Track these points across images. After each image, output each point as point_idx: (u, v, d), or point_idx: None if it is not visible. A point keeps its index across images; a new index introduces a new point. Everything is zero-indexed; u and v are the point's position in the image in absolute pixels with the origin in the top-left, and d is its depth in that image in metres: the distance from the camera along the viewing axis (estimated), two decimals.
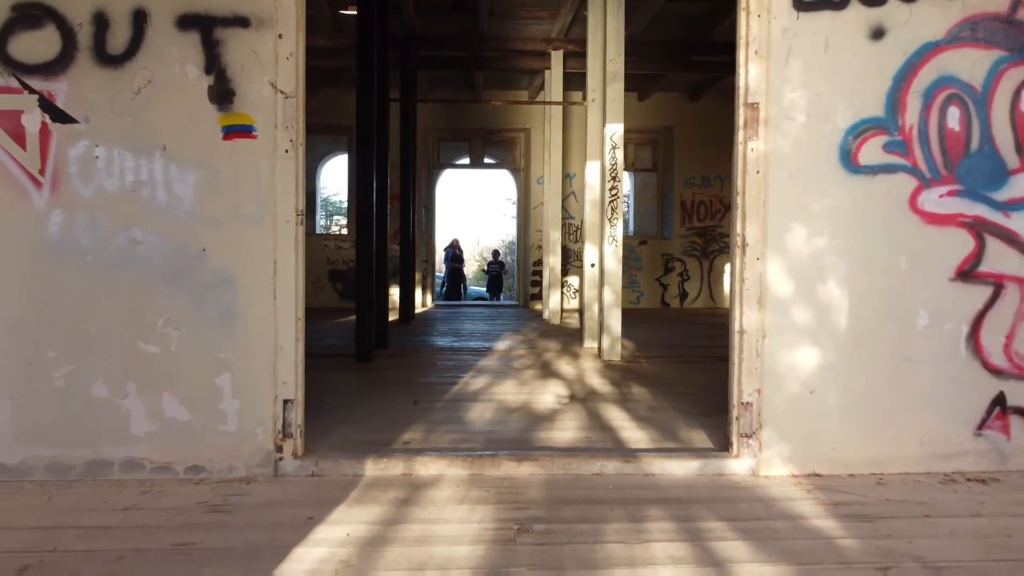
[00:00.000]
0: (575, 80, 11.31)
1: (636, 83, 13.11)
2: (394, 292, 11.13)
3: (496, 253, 21.15)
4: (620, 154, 7.09)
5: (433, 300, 14.81)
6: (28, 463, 3.20)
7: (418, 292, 13.31)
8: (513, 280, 17.80)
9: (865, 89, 3.36)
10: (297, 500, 2.99)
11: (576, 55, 10.45)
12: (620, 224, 7.12)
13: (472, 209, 53.67)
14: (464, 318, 11.82)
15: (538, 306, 13.68)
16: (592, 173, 7.99)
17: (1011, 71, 3.38)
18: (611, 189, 7.09)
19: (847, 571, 2.36)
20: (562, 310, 11.56)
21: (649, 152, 14.63)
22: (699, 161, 14.02)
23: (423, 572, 2.33)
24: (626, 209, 16.15)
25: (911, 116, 3.36)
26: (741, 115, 3.39)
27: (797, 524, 2.77)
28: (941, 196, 3.38)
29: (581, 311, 8.42)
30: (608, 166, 7.10)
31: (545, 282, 11.74)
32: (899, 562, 2.41)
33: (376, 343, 7.19)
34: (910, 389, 3.41)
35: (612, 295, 7.10)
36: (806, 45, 3.34)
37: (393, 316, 9.95)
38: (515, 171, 14.89)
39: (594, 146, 7.97)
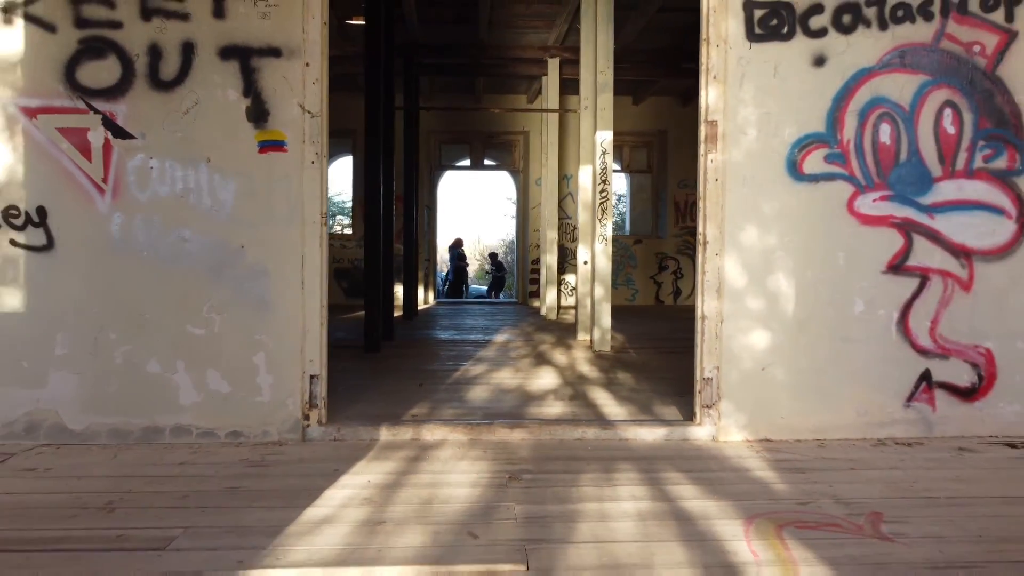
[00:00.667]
0: (572, 85, 11.79)
1: (631, 88, 13.64)
2: (398, 289, 11.66)
3: (494, 255, 21.42)
4: (610, 159, 7.64)
5: (435, 297, 15.33)
6: (93, 429, 3.76)
7: (420, 289, 13.81)
8: (513, 278, 18.29)
9: (808, 108, 3.91)
10: (324, 458, 3.55)
11: (572, 62, 10.96)
12: (610, 224, 7.66)
13: (473, 209, 54.31)
14: (465, 314, 12.36)
15: (536, 303, 14.20)
16: (584, 177, 8.56)
17: (934, 93, 3.93)
18: (601, 192, 7.63)
19: (774, 504, 2.91)
20: (559, 306, 12.11)
21: (644, 154, 15.13)
22: (692, 163, 14.00)
23: (431, 505, 2.89)
24: (623, 210, 16.69)
25: (848, 131, 3.91)
26: (702, 130, 3.94)
27: (742, 475, 3.33)
28: (874, 200, 3.93)
29: (577, 307, 8.97)
30: (599, 170, 7.64)
31: (542, 280, 12.26)
32: (817, 499, 2.97)
33: (383, 336, 7.72)
34: (848, 366, 3.96)
35: (603, 290, 7.65)
36: (758, 71, 3.89)
37: (397, 312, 10.49)
38: (514, 172, 15.39)
39: (586, 151, 8.53)
